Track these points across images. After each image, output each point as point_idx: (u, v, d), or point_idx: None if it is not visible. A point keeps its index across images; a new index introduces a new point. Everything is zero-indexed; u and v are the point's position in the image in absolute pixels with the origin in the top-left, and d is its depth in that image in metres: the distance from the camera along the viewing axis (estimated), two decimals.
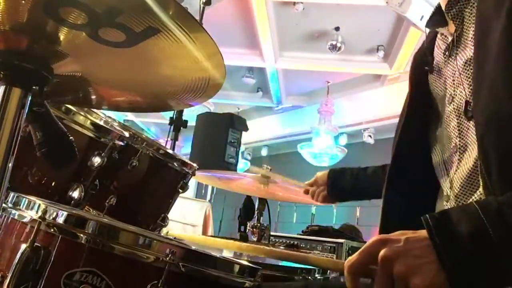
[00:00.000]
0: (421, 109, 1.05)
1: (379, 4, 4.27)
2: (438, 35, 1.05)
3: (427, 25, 1.05)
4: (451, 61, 0.95)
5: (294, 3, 4.65)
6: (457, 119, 0.91)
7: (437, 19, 1.01)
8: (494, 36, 0.80)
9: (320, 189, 1.70)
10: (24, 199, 0.89)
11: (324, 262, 0.76)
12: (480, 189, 0.80)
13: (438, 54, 1.02)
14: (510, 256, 0.62)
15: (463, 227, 0.63)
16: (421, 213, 0.79)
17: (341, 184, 1.62)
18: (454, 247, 0.63)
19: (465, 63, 0.90)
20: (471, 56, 0.87)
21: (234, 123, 5.75)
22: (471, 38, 0.89)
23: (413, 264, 0.64)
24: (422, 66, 1.06)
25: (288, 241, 3.40)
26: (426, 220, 0.66)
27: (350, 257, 0.69)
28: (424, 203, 1.01)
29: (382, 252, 0.66)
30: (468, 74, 0.88)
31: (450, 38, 0.97)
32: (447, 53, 0.97)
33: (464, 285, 0.62)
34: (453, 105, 0.92)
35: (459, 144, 0.89)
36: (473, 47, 0.87)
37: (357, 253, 0.69)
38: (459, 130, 0.90)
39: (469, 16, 0.91)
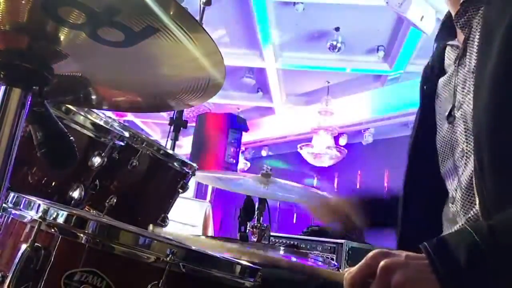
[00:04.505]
0: (432, 121, 1.07)
1: (379, 4, 4.27)
2: (448, 47, 1.06)
3: (437, 40, 1.07)
4: (460, 69, 0.97)
5: (294, 3, 4.65)
6: (464, 125, 0.91)
7: (446, 32, 1.04)
8: (496, 44, 0.81)
9: None
10: (24, 199, 0.89)
11: (321, 272, 0.77)
12: (475, 195, 0.82)
13: (449, 64, 1.04)
14: (504, 274, 0.64)
15: (461, 251, 0.66)
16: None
17: None
18: (451, 266, 0.65)
19: (470, 71, 0.91)
20: (476, 64, 0.89)
21: (234, 123, 5.76)
22: (476, 46, 0.90)
23: (412, 276, 0.65)
24: (431, 78, 1.08)
25: (288, 242, 3.41)
26: (425, 247, 0.68)
27: (350, 269, 0.70)
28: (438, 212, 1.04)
29: (382, 262, 0.67)
30: (472, 82, 0.89)
31: (460, 47, 0.98)
32: (457, 62, 0.98)
33: None
34: (461, 111, 0.93)
35: (466, 149, 0.90)
36: (477, 55, 0.88)
37: (358, 265, 0.70)
38: (465, 135, 0.91)
39: (477, 25, 0.92)
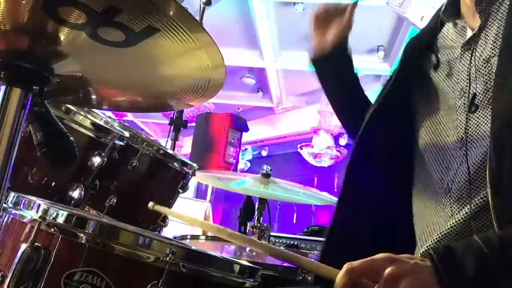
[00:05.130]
0: (402, 101, 1.05)
1: (379, 4, 4.27)
2: (449, 26, 1.03)
3: (444, 14, 1.03)
4: (467, 55, 0.94)
5: (294, 4, 4.65)
6: (466, 114, 0.90)
7: (453, 10, 1.00)
8: None
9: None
10: (24, 199, 0.89)
11: (316, 267, 0.76)
12: (488, 185, 0.79)
13: (449, 46, 1.01)
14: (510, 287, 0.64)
15: (468, 262, 0.65)
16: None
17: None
18: (457, 275, 0.64)
19: (484, 59, 0.89)
20: (492, 53, 0.87)
21: (234, 123, 5.75)
22: (495, 35, 0.88)
23: (418, 285, 0.64)
24: (421, 58, 1.05)
25: (288, 241, 3.41)
26: (430, 255, 0.67)
27: (352, 262, 0.69)
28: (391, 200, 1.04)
29: (389, 269, 0.65)
30: (486, 70, 0.87)
31: (469, 32, 0.96)
32: (465, 46, 0.95)
33: None
34: (463, 99, 0.91)
35: (467, 139, 0.89)
36: (495, 44, 0.86)
37: (361, 260, 0.68)
38: (467, 124, 0.89)
39: (495, 13, 0.90)
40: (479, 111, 0.88)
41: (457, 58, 0.97)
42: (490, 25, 0.91)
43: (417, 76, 1.06)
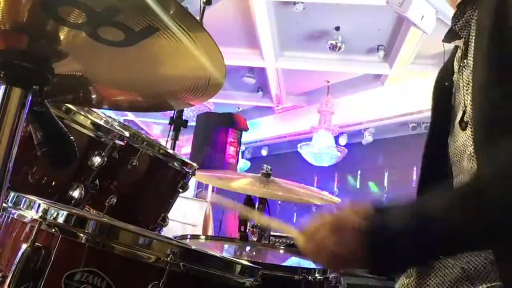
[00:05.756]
0: (444, 124, 1.05)
1: (379, 4, 4.27)
2: (458, 48, 1.04)
3: (444, 40, 1.05)
4: (464, 71, 0.95)
5: (294, 3, 4.64)
6: (471, 128, 0.90)
7: (454, 32, 1.02)
8: (483, 41, 0.80)
9: None
10: (24, 199, 0.89)
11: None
12: None
13: (456, 66, 1.02)
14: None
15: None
16: None
17: None
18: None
19: (471, 72, 0.89)
20: (472, 66, 0.87)
21: (234, 123, 5.76)
22: (473, 47, 0.89)
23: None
24: (445, 79, 1.06)
25: (288, 241, 3.40)
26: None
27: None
28: None
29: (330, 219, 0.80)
30: (472, 84, 0.88)
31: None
32: (460, 63, 0.97)
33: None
34: (467, 114, 0.92)
35: (472, 153, 0.89)
36: (472, 57, 0.87)
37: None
38: (472, 139, 0.89)
39: (474, 26, 0.91)
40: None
41: (458, 76, 0.99)
42: (471, 39, 0.91)
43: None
